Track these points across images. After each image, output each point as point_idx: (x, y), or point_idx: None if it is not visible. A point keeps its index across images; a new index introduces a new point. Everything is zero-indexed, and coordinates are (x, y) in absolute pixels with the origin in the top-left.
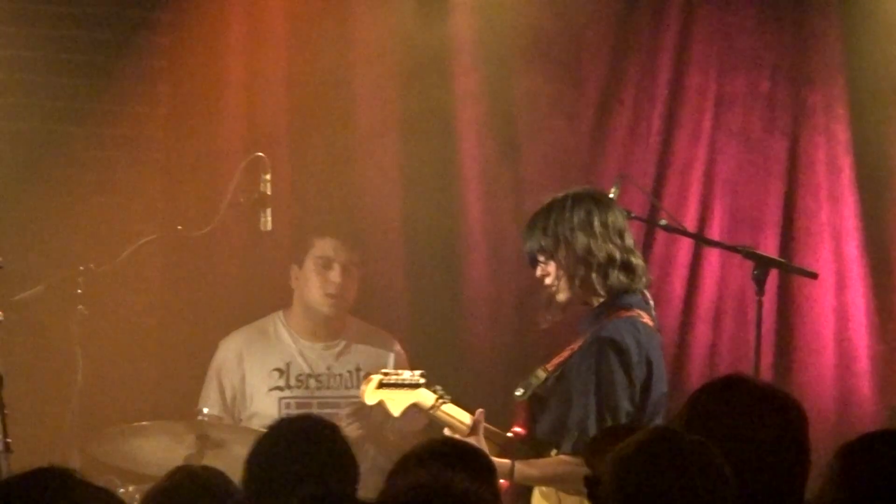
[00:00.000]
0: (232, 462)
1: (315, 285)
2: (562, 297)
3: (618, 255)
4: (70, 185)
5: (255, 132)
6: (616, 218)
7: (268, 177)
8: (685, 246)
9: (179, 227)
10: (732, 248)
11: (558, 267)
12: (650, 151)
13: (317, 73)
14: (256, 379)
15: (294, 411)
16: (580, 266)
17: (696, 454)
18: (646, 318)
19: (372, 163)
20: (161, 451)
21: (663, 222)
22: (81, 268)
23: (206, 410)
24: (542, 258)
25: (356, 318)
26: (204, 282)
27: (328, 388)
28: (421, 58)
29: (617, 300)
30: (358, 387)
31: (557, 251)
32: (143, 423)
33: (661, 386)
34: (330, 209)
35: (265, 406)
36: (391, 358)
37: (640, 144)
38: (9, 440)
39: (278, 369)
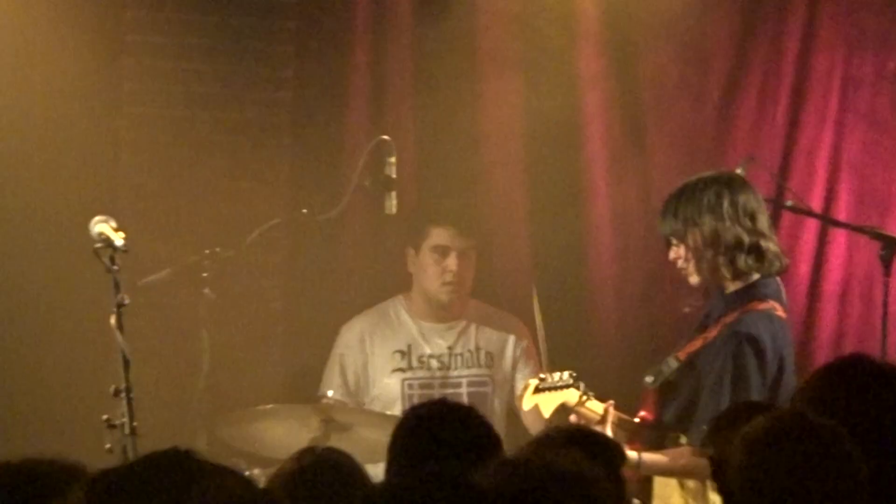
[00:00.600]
0: (357, 444)
1: (432, 275)
2: (693, 280)
3: (746, 239)
4: (196, 170)
5: (381, 115)
6: (748, 200)
7: (392, 160)
8: (811, 227)
9: (305, 211)
10: (859, 229)
11: (687, 250)
12: (776, 133)
13: (443, 56)
14: (379, 362)
15: (417, 392)
16: (708, 249)
17: (826, 438)
18: (780, 311)
19: (497, 147)
20: (286, 434)
21: (790, 203)
22: (207, 251)
23: (330, 394)
24: (674, 241)
25: (478, 300)
26: (329, 266)
27: (450, 367)
28: (545, 40)
29: (753, 288)
30: (479, 365)
31: (687, 234)
32: (269, 406)
33: (790, 381)
34: (454, 194)
35: (388, 388)
36: (511, 339)
37: (766, 126)
38: (135, 424)
39: (400, 351)
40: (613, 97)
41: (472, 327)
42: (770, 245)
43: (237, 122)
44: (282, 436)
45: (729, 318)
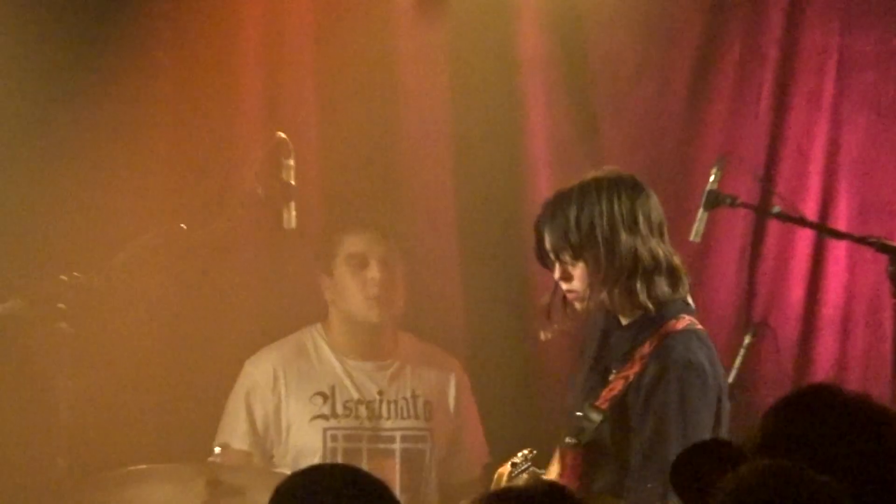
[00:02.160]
0: None
1: (353, 290)
2: (588, 305)
3: (662, 258)
4: (49, 177)
5: (276, 109)
6: (658, 210)
7: (291, 163)
8: (805, 239)
9: (184, 226)
10: (862, 241)
11: (589, 270)
12: (760, 125)
13: (350, 37)
14: (295, 406)
15: (341, 445)
16: (622, 271)
17: (822, 496)
18: (699, 325)
19: (418, 146)
20: (165, 500)
21: (777, 210)
22: (65, 277)
23: (217, 449)
24: (567, 258)
25: (410, 335)
26: (217, 291)
27: (381, 417)
28: (474, 17)
29: (661, 308)
30: (416, 416)
31: (589, 250)
32: (143, 466)
33: (726, 403)
34: (365, 202)
35: (307, 439)
36: (452, 383)
37: (747, 116)
38: None
39: (321, 394)
40: (559, 84)
41: (407, 369)
42: (679, 263)
43: (102, 120)
44: (158, 503)
45: (647, 349)
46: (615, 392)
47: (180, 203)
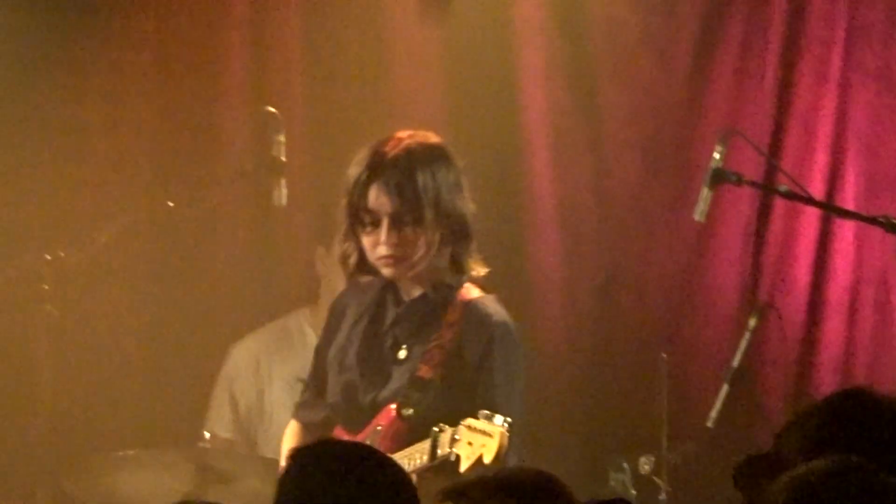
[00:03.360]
0: (241, 499)
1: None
2: (413, 270)
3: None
4: (29, 152)
5: (264, 82)
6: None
7: (282, 138)
8: (811, 218)
9: (171, 204)
10: (871, 220)
11: (426, 234)
12: (764, 98)
13: (342, 8)
14: (278, 392)
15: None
16: (455, 235)
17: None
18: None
19: (411, 119)
20: (151, 486)
21: (783, 188)
22: (48, 257)
23: (207, 435)
24: (405, 219)
25: None
26: (204, 272)
27: None
28: None
29: (456, 279)
30: None
31: (431, 214)
32: (129, 451)
33: None
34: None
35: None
36: None
37: (751, 89)
38: None
39: (303, 380)
40: (557, 54)
41: None
42: None
43: (84, 91)
44: (145, 489)
45: (453, 316)
46: (435, 360)
47: (166, 178)
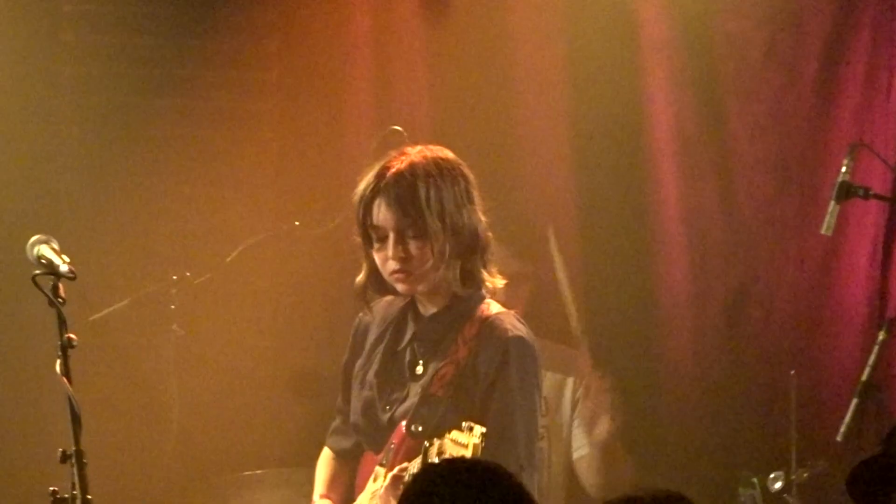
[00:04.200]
0: None
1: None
2: (423, 283)
3: (489, 239)
4: (156, 173)
5: (389, 100)
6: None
7: None
8: None
9: (297, 223)
10: None
11: (434, 248)
12: (891, 111)
13: (462, 22)
14: None
15: None
16: (466, 249)
17: None
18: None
19: (537, 138)
20: None
21: None
22: (175, 277)
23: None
24: (409, 234)
25: None
26: (329, 291)
27: None
28: (594, 3)
29: (474, 293)
30: None
31: (437, 228)
32: (257, 471)
33: None
34: (489, 202)
35: None
36: (570, 379)
37: (878, 102)
38: (89, 497)
39: None
40: (683, 72)
41: None
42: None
43: (208, 112)
44: None
45: (470, 332)
46: (447, 378)
47: (291, 198)
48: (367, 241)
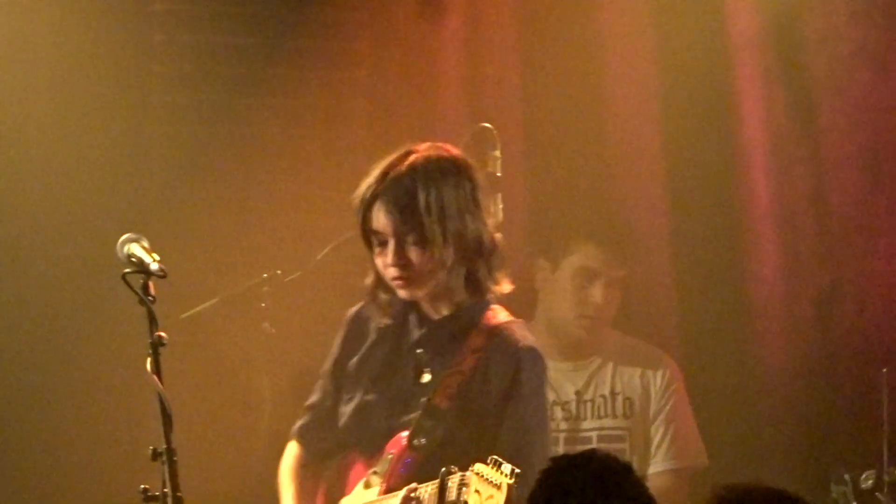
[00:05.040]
0: None
1: (570, 301)
2: (425, 290)
3: (495, 244)
4: (249, 173)
5: (480, 98)
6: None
7: (497, 153)
8: None
9: None
10: None
11: (435, 253)
12: None
13: (553, 20)
14: None
15: None
16: (469, 254)
17: None
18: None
19: (627, 132)
20: None
21: None
22: (265, 275)
23: None
24: (409, 239)
25: (617, 331)
26: None
27: (577, 418)
28: (685, 2)
29: (480, 300)
30: (615, 415)
31: (438, 233)
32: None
33: None
34: (582, 199)
35: None
36: (658, 379)
37: None
38: (180, 494)
39: None
40: (774, 68)
41: (609, 367)
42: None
43: (298, 111)
44: None
45: (478, 341)
46: (452, 389)
47: None
48: (369, 245)
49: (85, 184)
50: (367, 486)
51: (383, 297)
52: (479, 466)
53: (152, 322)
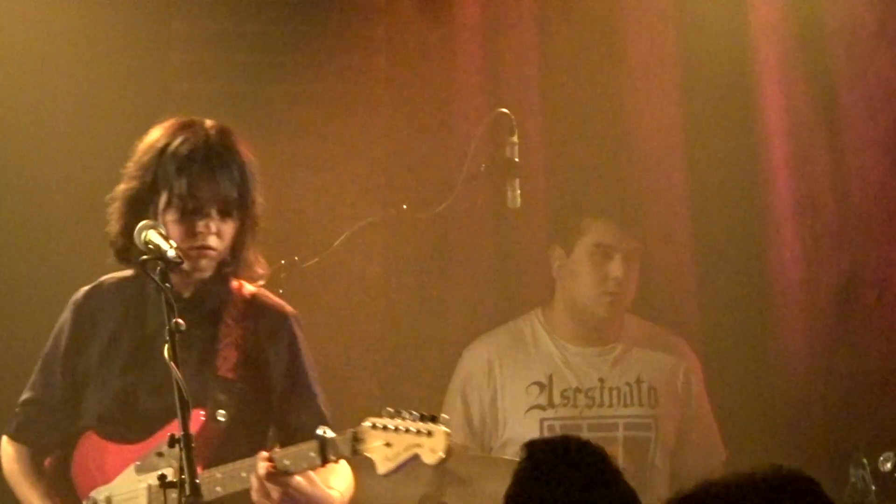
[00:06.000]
0: (479, 501)
1: (589, 280)
2: (199, 269)
3: None
4: (264, 158)
5: (498, 83)
6: None
7: (515, 139)
8: None
9: (405, 207)
10: None
11: (242, 229)
12: None
13: (572, 5)
14: (511, 397)
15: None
16: (256, 231)
17: None
18: None
19: (647, 118)
20: (391, 488)
21: None
22: (283, 262)
23: None
24: (215, 212)
25: (638, 317)
26: (438, 274)
27: (601, 405)
28: None
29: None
30: (641, 403)
31: (249, 209)
32: (366, 454)
33: None
34: (597, 183)
35: (523, 430)
36: (681, 368)
37: None
38: (197, 481)
39: (538, 383)
40: (794, 54)
41: (633, 353)
42: None
43: (317, 97)
44: (383, 490)
45: (238, 310)
46: (233, 360)
47: (399, 182)
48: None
49: (105, 172)
50: (144, 469)
51: (111, 276)
52: (373, 419)
53: (170, 309)
